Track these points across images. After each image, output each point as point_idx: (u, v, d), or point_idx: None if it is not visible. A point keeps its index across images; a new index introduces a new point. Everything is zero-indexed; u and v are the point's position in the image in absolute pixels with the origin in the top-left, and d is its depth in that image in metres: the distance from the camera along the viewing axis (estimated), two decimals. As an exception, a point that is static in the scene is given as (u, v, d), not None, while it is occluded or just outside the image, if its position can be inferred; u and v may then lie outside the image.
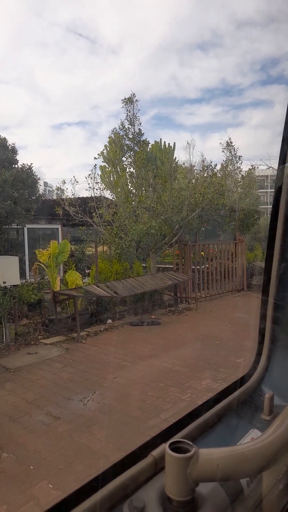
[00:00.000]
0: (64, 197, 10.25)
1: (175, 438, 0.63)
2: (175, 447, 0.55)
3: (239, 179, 14.23)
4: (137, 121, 16.08)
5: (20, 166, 8.37)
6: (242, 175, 14.41)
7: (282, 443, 0.58)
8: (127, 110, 16.00)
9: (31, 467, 3.39)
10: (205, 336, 7.35)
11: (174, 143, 17.97)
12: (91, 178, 10.04)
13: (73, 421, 4.20)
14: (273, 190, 0.97)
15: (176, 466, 0.54)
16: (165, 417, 4.21)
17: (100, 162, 16.25)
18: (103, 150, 16.27)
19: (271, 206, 0.97)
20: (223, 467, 0.54)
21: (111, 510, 0.55)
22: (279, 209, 0.90)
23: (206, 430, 0.76)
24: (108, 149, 16.23)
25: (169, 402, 4.58)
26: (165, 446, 0.56)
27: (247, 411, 0.87)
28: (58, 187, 10.70)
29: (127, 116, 16.06)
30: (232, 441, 0.77)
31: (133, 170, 12.24)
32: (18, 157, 8.43)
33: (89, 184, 10.03)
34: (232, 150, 14.87)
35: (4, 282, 6.83)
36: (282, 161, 0.90)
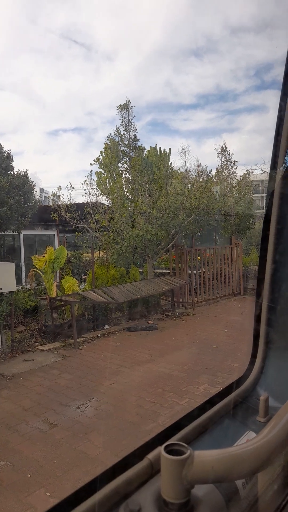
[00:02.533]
0: (60, 203, 10.27)
1: (171, 440, 0.63)
2: (171, 450, 0.56)
3: (234, 184, 14.31)
4: (132, 127, 16.20)
5: (16, 172, 8.38)
6: (237, 180, 14.49)
7: (276, 445, 0.58)
8: (122, 117, 16.13)
9: (28, 475, 3.37)
10: (202, 341, 7.34)
11: (170, 148, 18.06)
12: (87, 184, 10.10)
13: (70, 428, 4.17)
14: (267, 195, 0.98)
15: (171, 469, 0.54)
16: (162, 422, 4.19)
17: (96, 168, 16.32)
18: (99, 156, 16.32)
19: (264, 211, 0.98)
20: (218, 468, 0.54)
21: None
22: (271, 212, 0.91)
23: (202, 432, 0.76)
24: (104, 155, 16.29)
25: (166, 408, 4.56)
26: (160, 449, 0.56)
27: (242, 413, 0.88)
28: (54, 193, 10.71)
29: (122, 122, 16.19)
30: (227, 443, 0.77)
31: (129, 176, 12.29)
32: (13, 164, 8.44)
33: (85, 190, 10.10)
34: (227, 155, 14.98)
35: (0, 289, 6.81)
36: (273, 166, 0.92)
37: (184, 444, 0.56)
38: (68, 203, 10.08)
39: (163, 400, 4.76)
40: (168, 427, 0.72)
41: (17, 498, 3.06)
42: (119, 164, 16.39)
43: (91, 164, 16.87)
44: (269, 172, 0.97)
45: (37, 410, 4.62)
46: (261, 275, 0.95)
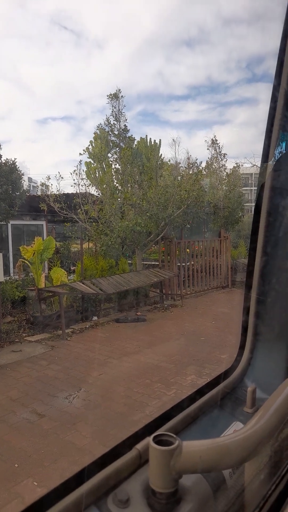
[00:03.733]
0: (49, 193, 10.15)
1: (159, 431, 0.63)
2: (159, 440, 0.56)
3: (224, 177, 14.33)
4: (122, 117, 16.07)
5: (4, 161, 8.24)
6: (227, 173, 14.52)
7: (263, 435, 0.59)
8: (112, 106, 15.96)
9: (16, 465, 3.37)
10: (190, 332, 7.40)
11: (160, 140, 17.99)
12: (77, 174, 9.98)
13: (58, 418, 4.18)
14: (257, 188, 0.98)
15: (160, 459, 0.54)
16: (150, 413, 4.23)
17: (85, 158, 16.12)
18: (89, 146, 16.15)
19: (255, 204, 0.98)
20: (206, 459, 0.55)
21: (95, 503, 0.56)
22: (261, 205, 0.91)
23: (190, 423, 0.77)
24: (93, 145, 16.13)
25: (154, 398, 4.61)
26: (149, 439, 0.56)
27: (230, 404, 0.89)
28: (43, 183, 10.58)
29: (112, 112, 16.03)
30: (215, 434, 0.78)
31: (119, 167, 12.20)
32: (1, 152, 8.29)
33: (74, 180, 9.97)
34: (217, 147, 14.97)
35: (-12, 279, 6.73)
36: (265, 159, 0.92)
37: (172, 435, 0.56)
38: (57, 193, 9.97)
39: (151, 391, 4.80)
40: (156, 418, 0.73)
41: (4, 487, 3.07)
42: (109, 155, 16.26)
43: (80, 154, 16.72)
44: (259, 165, 0.97)
45: (25, 400, 4.61)
46: (250, 267, 0.96)
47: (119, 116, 15.93)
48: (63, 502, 0.53)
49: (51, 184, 10.31)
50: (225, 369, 0.97)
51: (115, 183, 11.14)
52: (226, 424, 0.81)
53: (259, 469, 0.66)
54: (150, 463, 0.56)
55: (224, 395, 0.89)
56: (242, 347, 1.00)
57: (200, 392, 0.84)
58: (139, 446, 0.61)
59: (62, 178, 10.00)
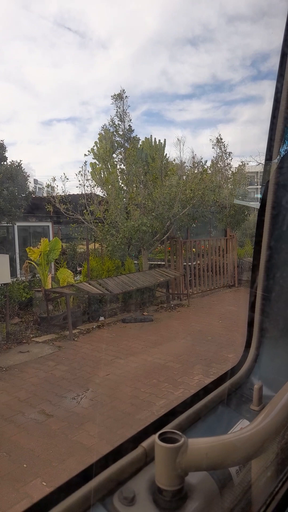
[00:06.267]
0: (54, 194, 10.18)
1: (165, 428, 0.63)
2: (165, 438, 0.56)
3: (229, 176, 14.28)
4: (127, 118, 16.07)
5: (9, 163, 8.29)
6: (232, 172, 14.46)
7: (270, 432, 0.59)
8: (117, 106, 15.97)
9: (25, 465, 3.39)
10: (197, 332, 7.38)
11: (165, 139, 17.92)
12: (82, 175, 10.00)
13: (66, 418, 4.19)
14: (263, 184, 0.98)
15: (166, 456, 0.54)
16: (157, 412, 4.23)
17: (90, 159, 16.12)
18: (93, 146, 16.16)
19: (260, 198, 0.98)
20: (212, 456, 0.55)
21: (101, 500, 0.56)
22: (267, 198, 0.91)
23: (196, 420, 0.76)
24: (98, 145, 16.14)
25: (162, 398, 4.60)
26: (154, 437, 0.56)
27: (236, 401, 0.88)
28: (48, 184, 10.61)
29: (117, 112, 16.04)
30: (221, 431, 0.78)
31: (124, 167, 12.21)
32: (6, 154, 8.34)
33: (79, 181, 9.99)
34: (222, 146, 14.93)
35: (-5, 281, 6.78)
36: (269, 157, 0.91)
37: (178, 432, 0.56)
38: (63, 194, 10.00)
39: (158, 391, 4.79)
40: (162, 415, 0.72)
41: (13, 487, 3.08)
42: (114, 155, 16.27)
43: (85, 155, 16.69)
44: (264, 163, 0.96)
45: (33, 401, 4.63)
46: (255, 261, 0.95)
47: (123, 117, 15.94)
48: (69, 500, 0.53)
49: (57, 186, 10.34)
50: (231, 366, 0.96)
51: (120, 184, 11.15)
52: (232, 422, 0.80)
53: (265, 466, 0.66)
54: (156, 461, 0.56)
55: (230, 393, 0.89)
56: (248, 344, 1.00)
57: (206, 390, 0.83)
58: (145, 443, 0.61)
59: (67, 179, 10.04)
